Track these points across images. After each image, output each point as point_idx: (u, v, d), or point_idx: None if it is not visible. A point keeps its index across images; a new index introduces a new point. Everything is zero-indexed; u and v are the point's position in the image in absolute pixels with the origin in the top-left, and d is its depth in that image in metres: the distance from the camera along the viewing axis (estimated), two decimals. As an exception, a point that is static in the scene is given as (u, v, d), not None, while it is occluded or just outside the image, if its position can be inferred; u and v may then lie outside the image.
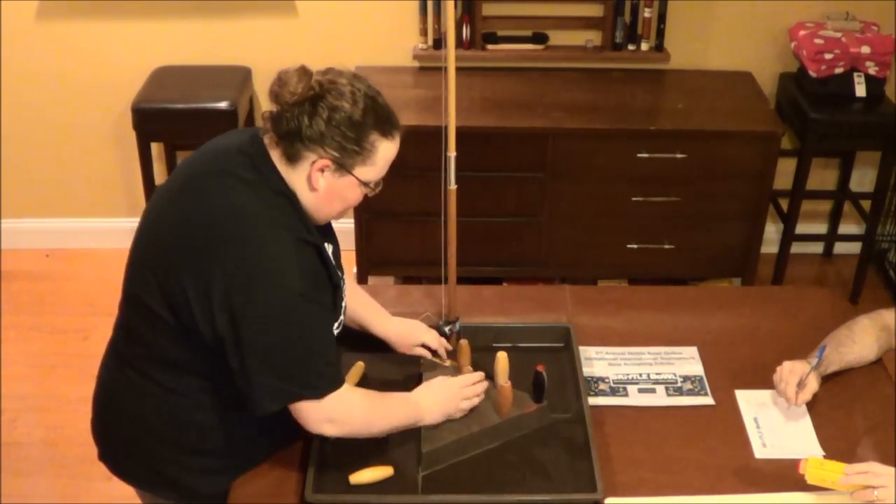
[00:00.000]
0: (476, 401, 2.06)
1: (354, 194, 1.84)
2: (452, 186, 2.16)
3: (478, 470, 2.01)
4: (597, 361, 2.32)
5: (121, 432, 2.01)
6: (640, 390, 2.24)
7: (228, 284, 1.74)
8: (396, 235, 3.64)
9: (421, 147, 3.43)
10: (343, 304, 2.00)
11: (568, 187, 3.55)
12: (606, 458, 2.02)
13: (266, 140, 1.83)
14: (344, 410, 1.87)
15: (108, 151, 4.03)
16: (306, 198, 1.83)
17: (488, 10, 3.74)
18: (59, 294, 3.94)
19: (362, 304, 2.22)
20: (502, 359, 2.11)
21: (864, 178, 4.08)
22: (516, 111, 3.56)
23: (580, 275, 3.78)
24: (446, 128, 2.09)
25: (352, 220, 3.64)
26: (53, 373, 3.52)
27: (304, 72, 1.77)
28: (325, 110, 1.75)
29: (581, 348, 2.30)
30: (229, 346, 1.77)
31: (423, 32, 3.73)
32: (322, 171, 1.79)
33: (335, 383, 1.85)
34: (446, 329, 2.27)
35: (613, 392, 2.23)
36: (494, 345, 2.23)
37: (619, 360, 2.33)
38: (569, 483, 1.96)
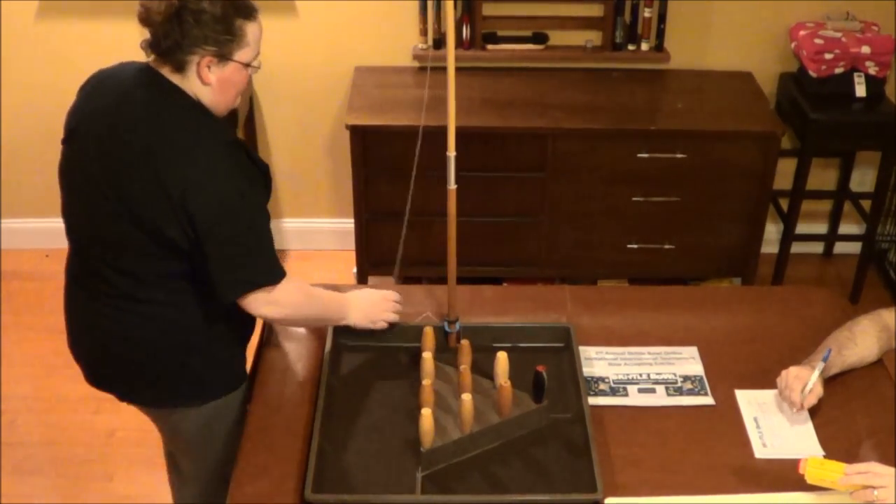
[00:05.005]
0: (395, 317, 2.31)
1: (241, 76, 2.04)
2: (452, 186, 2.16)
3: (478, 470, 2.01)
4: (597, 361, 2.32)
5: (133, 364, 2.18)
6: (640, 390, 2.24)
7: (181, 195, 1.95)
8: (396, 235, 3.62)
9: (421, 147, 3.42)
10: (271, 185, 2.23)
11: (568, 187, 3.55)
12: (606, 458, 2.02)
13: (153, 65, 2.02)
14: (285, 295, 2.10)
15: (108, 151, 4.03)
16: (206, 96, 2.02)
17: (488, 10, 3.73)
18: (59, 294, 3.92)
19: None
20: (502, 359, 2.11)
21: (864, 178, 4.08)
22: (516, 111, 3.55)
23: (580, 275, 3.78)
24: (446, 128, 2.10)
25: (352, 221, 3.64)
26: (53, 373, 3.51)
27: None
28: (190, 16, 1.93)
29: (581, 348, 2.30)
30: (195, 245, 2.00)
31: (423, 32, 3.73)
32: (209, 66, 1.99)
33: (283, 272, 2.09)
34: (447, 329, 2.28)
35: (613, 392, 2.23)
36: (494, 345, 2.23)
37: (619, 360, 2.32)
38: (569, 483, 1.96)
